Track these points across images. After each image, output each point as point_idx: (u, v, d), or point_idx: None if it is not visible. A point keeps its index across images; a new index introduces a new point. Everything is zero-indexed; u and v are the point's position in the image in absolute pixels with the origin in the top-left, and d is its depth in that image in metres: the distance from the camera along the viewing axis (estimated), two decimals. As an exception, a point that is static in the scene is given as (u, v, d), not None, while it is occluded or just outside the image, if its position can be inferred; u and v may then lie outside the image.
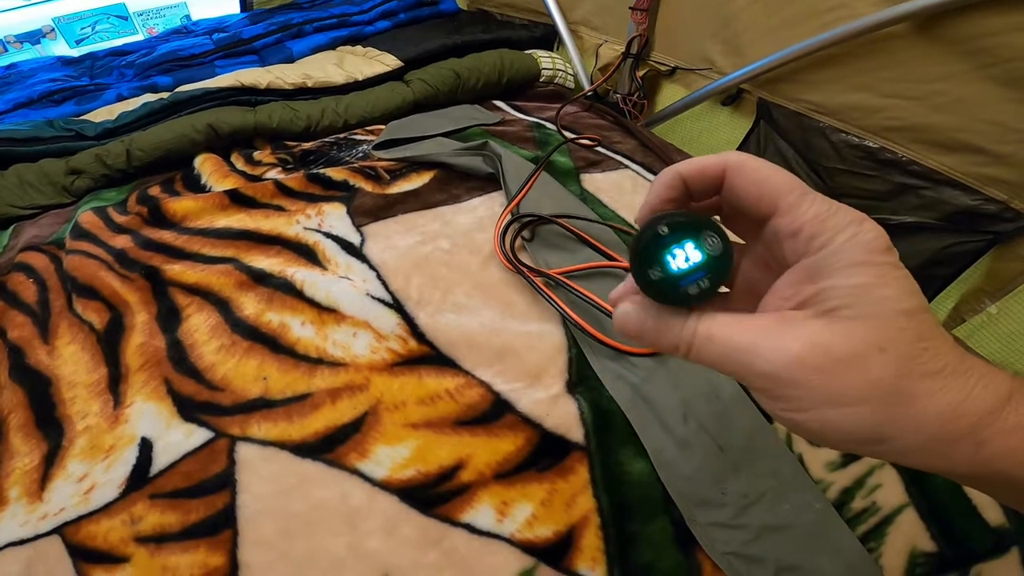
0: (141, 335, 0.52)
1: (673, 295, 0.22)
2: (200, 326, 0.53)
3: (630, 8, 1.01)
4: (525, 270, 0.55)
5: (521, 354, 0.50)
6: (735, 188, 0.23)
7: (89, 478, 0.42)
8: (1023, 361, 0.61)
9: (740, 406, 0.45)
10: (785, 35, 0.78)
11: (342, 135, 0.91)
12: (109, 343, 0.52)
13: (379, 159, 0.80)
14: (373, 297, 0.55)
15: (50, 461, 0.44)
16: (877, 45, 0.68)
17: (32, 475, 0.43)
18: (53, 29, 1.92)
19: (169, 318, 0.54)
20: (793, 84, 0.81)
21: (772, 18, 0.80)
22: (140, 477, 0.42)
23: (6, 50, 1.88)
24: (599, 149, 0.84)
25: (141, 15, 2.03)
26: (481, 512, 0.40)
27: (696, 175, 0.23)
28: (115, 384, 0.49)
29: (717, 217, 0.26)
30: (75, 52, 1.90)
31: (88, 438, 0.45)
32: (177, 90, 0.97)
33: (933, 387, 0.20)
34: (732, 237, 0.23)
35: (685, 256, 0.22)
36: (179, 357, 0.50)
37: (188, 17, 2.09)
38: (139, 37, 2.01)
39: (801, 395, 0.20)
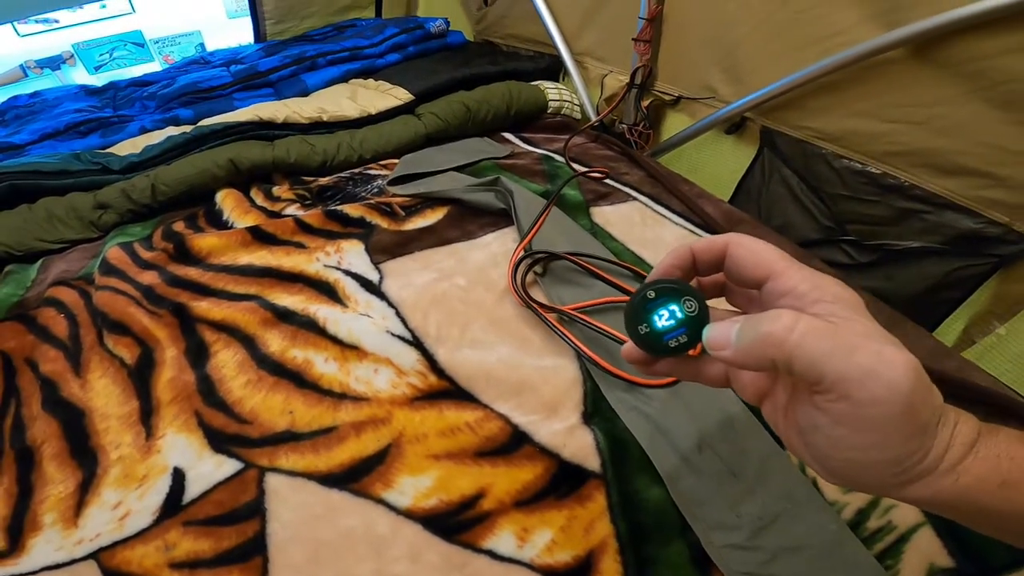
0: (171, 370, 0.54)
1: (657, 346, 0.28)
2: (228, 361, 0.55)
3: (633, 39, 1.02)
4: (537, 307, 0.57)
5: (538, 388, 0.51)
6: (735, 258, 0.27)
7: (123, 505, 0.44)
8: (1034, 381, 0.61)
9: (753, 433, 0.46)
10: (786, 63, 0.79)
11: (357, 170, 0.94)
12: (140, 377, 0.54)
13: (394, 195, 0.82)
14: (393, 334, 0.57)
15: (85, 489, 0.46)
16: (876, 71, 0.69)
17: (67, 502, 0.45)
18: (73, 55, 1.99)
19: (198, 354, 0.56)
20: (795, 111, 0.81)
21: (773, 46, 0.81)
22: (173, 505, 0.44)
23: (27, 75, 1.95)
24: (607, 181, 0.86)
25: (157, 43, 2.11)
26: (502, 538, 0.41)
27: (704, 249, 0.28)
28: (147, 416, 0.51)
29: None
30: (94, 78, 1.97)
31: (122, 467, 0.47)
32: (199, 124, 1.00)
33: (936, 422, 0.22)
34: (727, 306, 0.30)
35: (668, 316, 0.27)
36: (208, 391, 0.52)
37: (202, 46, 2.16)
38: (155, 64, 2.08)
39: (866, 399, 0.21)
